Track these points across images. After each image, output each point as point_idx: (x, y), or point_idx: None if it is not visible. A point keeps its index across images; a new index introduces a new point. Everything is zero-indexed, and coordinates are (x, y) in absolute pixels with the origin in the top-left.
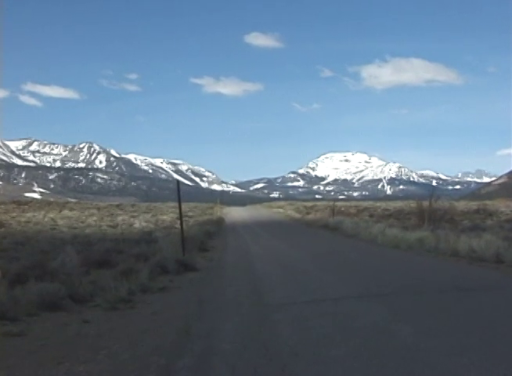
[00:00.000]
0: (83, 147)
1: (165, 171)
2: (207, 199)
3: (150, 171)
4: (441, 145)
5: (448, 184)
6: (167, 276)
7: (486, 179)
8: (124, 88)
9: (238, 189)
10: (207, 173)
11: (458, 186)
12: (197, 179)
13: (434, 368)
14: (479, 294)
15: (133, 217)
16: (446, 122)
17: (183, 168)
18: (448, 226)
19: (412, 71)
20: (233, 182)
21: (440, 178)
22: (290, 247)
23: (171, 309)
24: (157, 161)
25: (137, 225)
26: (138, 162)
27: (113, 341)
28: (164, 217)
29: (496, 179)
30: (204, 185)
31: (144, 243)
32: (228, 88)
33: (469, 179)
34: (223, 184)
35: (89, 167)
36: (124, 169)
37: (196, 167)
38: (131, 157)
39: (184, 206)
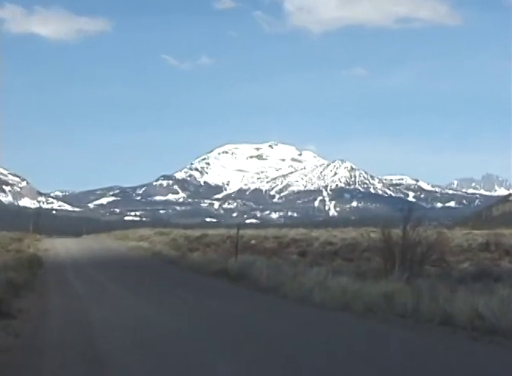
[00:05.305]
0: None
1: None
2: (13, 224)
3: None
4: (423, 134)
5: (436, 199)
6: None
7: (500, 191)
8: None
9: (68, 207)
10: (12, 179)
11: (452, 203)
12: None
13: None
14: None
15: None
16: (431, 93)
17: None
18: (435, 273)
19: (373, 1)
20: (59, 193)
21: (422, 189)
22: (163, 312)
23: None
24: None
25: None
26: None
27: None
28: None
29: None
30: (7, 199)
31: None
32: (50, 25)
33: (471, 191)
34: (41, 197)
35: None
36: None
37: None
38: None
39: None
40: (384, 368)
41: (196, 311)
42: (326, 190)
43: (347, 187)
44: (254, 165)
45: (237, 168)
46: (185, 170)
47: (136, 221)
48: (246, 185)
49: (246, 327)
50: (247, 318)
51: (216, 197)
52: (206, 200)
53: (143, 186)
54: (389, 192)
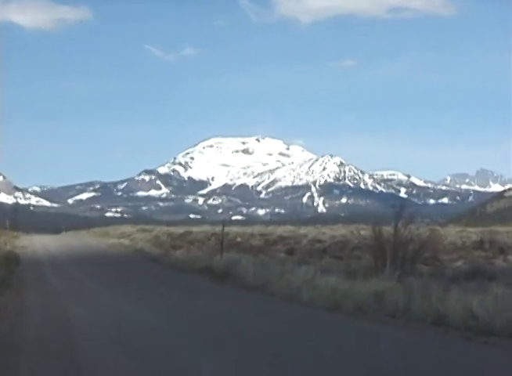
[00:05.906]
0: None
1: None
2: None
3: None
4: (416, 128)
5: (429, 195)
6: None
7: (495, 187)
8: None
9: (46, 203)
10: None
11: (445, 199)
12: None
13: None
14: None
15: None
16: (424, 86)
17: None
18: (427, 271)
19: None
20: (37, 189)
21: (414, 185)
22: (143, 309)
23: None
24: None
25: None
26: None
27: None
28: None
29: None
30: None
31: None
32: (29, 14)
33: (465, 187)
34: (18, 193)
35: None
36: None
37: None
38: None
39: None
40: (374, 367)
41: (177, 308)
42: (315, 186)
43: (337, 183)
44: (239, 160)
45: (222, 162)
46: (169, 164)
47: (117, 217)
48: (231, 180)
49: (230, 324)
50: (232, 316)
51: (200, 192)
52: (190, 196)
53: (125, 181)
54: (380, 188)
